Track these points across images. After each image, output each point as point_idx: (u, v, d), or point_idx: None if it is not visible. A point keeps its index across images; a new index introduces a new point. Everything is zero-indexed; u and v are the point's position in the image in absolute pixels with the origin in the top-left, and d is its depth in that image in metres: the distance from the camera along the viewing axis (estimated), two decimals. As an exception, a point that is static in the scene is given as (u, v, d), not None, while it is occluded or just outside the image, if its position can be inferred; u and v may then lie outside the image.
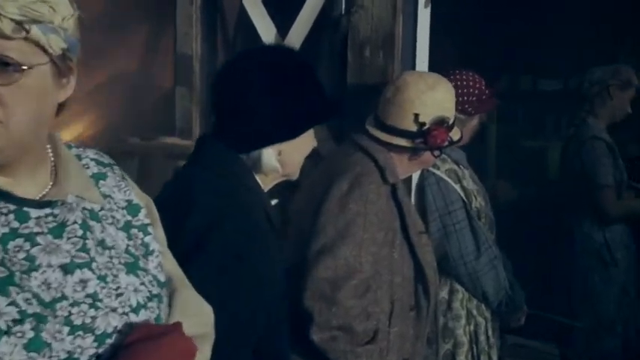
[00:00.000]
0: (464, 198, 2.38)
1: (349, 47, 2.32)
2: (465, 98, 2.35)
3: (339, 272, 1.85)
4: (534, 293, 3.25)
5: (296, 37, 2.44)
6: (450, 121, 2.02)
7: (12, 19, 0.90)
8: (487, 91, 2.42)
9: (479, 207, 2.42)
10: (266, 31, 2.51)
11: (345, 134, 2.18)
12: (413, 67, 2.36)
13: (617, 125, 3.41)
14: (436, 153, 2.01)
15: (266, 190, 1.60)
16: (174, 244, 1.26)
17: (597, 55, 3.76)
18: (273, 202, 1.76)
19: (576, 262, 3.30)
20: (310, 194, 2.00)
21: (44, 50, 0.95)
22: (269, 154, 1.53)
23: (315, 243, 1.88)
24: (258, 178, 1.56)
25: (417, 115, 1.98)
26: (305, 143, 1.58)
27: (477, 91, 2.38)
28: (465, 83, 2.37)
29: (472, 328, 2.40)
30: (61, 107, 1.03)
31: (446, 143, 2.01)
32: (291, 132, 1.54)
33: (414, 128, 1.98)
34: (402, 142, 2.00)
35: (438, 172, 2.38)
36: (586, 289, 3.27)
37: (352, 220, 1.87)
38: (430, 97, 1.98)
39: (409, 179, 2.37)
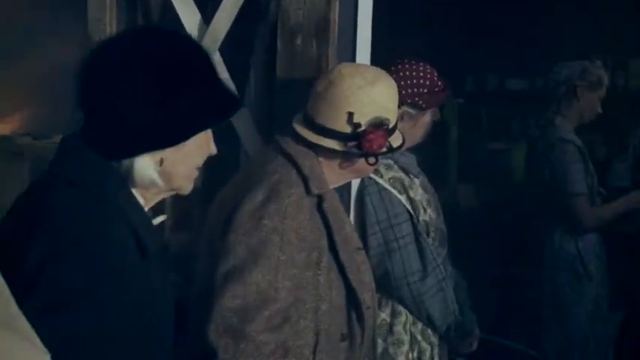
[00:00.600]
0: (410, 210, 2.10)
1: (279, 35, 2.03)
2: (416, 90, 2.08)
3: (249, 301, 1.55)
4: (494, 313, 3.00)
5: (221, 23, 2.14)
6: (391, 124, 1.73)
7: None
8: (440, 83, 2.14)
9: (428, 220, 2.14)
10: (189, 17, 2.21)
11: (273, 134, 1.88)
12: (352, 58, 2.07)
13: (585, 126, 3.17)
14: (371, 160, 1.72)
15: (148, 207, 1.30)
16: (12, 277, 0.97)
17: (565, 52, 3.50)
18: (159, 219, 1.45)
19: (546, 275, 3.05)
20: (222, 205, 1.70)
21: None
22: (145, 164, 1.22)
23: (222, 266, 1.58)
24: (136, 192, 1.26)
25: (351, 114, 1.68)
26: (195, 151, 1.28)
27: (428, 83, 2.10)
28: (414, 74, 2.09)
29: (415, 354, 2.12)
30: None
31: (384, 149, 1.73)
32: (173, 137, 1.23)
33: (347, 129, 1.69)
34: (333, 144, 1.70)
35: (380, 181, 2.10)
36: (557, 304, 3.03)
37: (267, 238, 1.58)
38: (368, 94, 1.69)
39: (348, 187, 2.09)
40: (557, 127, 3.06)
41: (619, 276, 3.13)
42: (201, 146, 1.29)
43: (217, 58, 2.17)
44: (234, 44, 2.24)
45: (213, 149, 1.32)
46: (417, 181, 2.17)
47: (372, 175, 2.07)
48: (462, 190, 3.77)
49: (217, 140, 1.36)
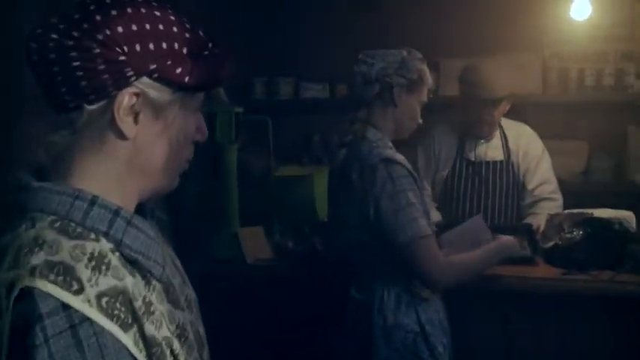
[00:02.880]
0: None
1: None
2: (161, 46, 0.93)
3: None
4: None
5: None
6: None
7: None
8: (210, 46, 0.99)
9: None
10: None
11: None
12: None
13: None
14: None
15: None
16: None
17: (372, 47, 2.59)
18: None
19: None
20: None
21: None
22: None
23: None
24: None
25: None
26: None
27: (188, 36, 0.96)
28: (158, 17, 0.94)
29: None
30: None
31: None
32: None
33: None
34: None
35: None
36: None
37: None
38: None
39: None
40: (373, 142, 2.10)
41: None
42: None
43: None
44: None
45: None
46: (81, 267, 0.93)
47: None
48: (246, 235, 2.70)
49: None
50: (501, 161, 3.10)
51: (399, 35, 3.61)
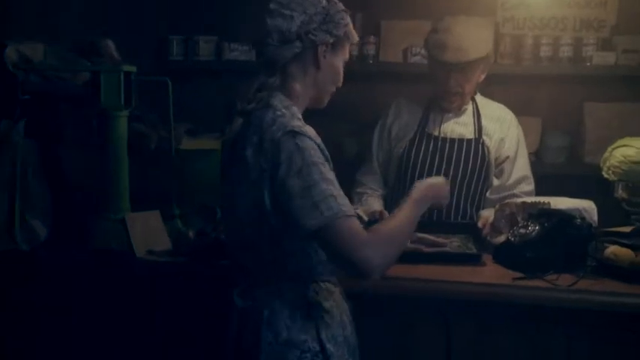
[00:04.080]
0: None
1: None
2: None
3: None
4: None
5: None
6: None
7: None
8: None
9: None
10: None
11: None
12: None
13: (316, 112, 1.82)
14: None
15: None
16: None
17: None
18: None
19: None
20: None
21: None
22: None
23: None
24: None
25: None
26: None
27: None
28: None
29: None
30: None
31: None
32: None
33: None
34: None
35: None
36: None
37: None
38: None
39: None
40: (278, 110, 1.66)
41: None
42: None
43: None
44: None
45: None
46: None
47: None
48: (136, 220, 2.22)
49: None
50: (470, 140, 2.70)
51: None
